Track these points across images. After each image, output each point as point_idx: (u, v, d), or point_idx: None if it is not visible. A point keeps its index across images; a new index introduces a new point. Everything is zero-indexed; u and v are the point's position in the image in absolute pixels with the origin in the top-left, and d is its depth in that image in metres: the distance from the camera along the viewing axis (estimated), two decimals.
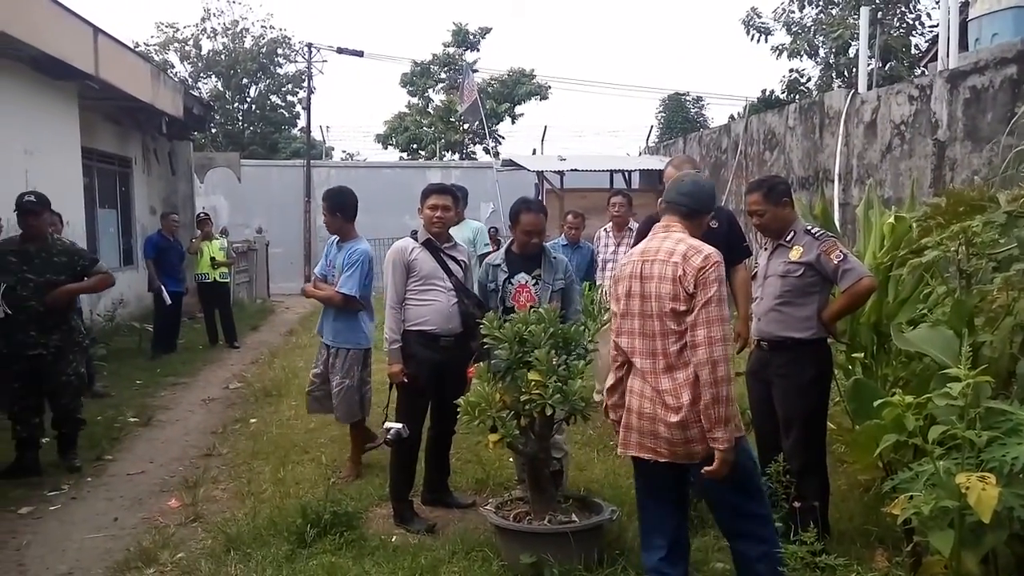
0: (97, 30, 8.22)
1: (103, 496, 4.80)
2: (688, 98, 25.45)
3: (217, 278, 10.19)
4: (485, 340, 3.61)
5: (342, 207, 4.98)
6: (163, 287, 9.31)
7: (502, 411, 3.45)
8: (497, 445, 3.47)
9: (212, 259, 10.11)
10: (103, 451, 5.61)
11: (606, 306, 3.86)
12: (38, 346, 5.07)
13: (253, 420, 6.48)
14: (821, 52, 16.57)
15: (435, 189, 4.32)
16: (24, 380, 5.11)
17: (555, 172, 15.50)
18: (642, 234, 4.51)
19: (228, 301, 10.53)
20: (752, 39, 17.06)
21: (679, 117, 24.84)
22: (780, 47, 16.54)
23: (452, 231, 6.01)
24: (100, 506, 4.63)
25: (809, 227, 3.68)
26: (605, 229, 6.66)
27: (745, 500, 2.87)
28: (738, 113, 18.09)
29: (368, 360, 5.04)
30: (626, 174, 16.20)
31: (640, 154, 18.80)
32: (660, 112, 25.53)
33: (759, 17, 17.10)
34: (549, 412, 3.37)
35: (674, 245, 2.82)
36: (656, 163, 15.92)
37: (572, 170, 15.11)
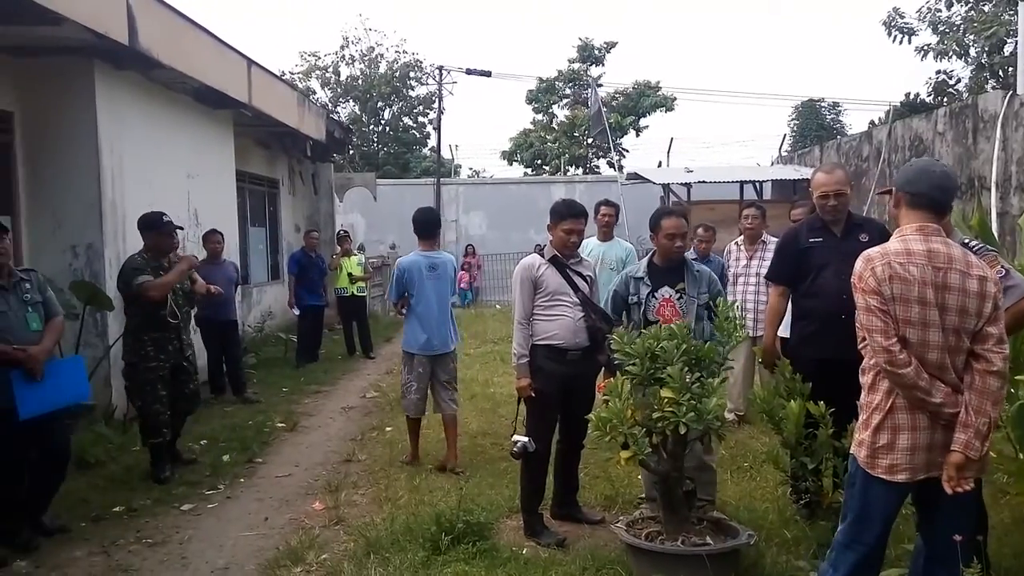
0: (251, 62, 8.88)
1: (254, 496, 5.13)
2: (823, 104, 24.37)
3: (355, 292, 10.71)
4: (615, 355, 3.60)
5: (412, 222, 5.77)
6: (296, 301, 9.99)
7: (633, 428, 3.43)
8: (628, 462, 3.45)
9: (350, 274, 10.64)
10: (254, 454, 6.01)
11: (741, 322, 3.76)
12: (189, 347, 5.57)
13: (388, 428, 6.73)
14: (972, 51, 15.43)
15: (571, 212, 4.23)
16: (168, 385, 5.40)
17: (682, 184, 15.25)
18: (783, 249, 4.36)
19: (365, 314, 11.03)
20: (894, 40, 16.13)
21: (813, 124, 23.85)
22: (926, 48, 15.55)
23: (605, 248, 6.14)
24: (252, 506, 4.95)
25: (966, 240, 3.44)
26: (736, 242, 6.49)
27: None
28: (879, 118, 17.15)
29: (411, 362, 5.58)
30: (757, 185, 15.71)
31: (772, 164, 18.18)
32: (793, 120, 24.61)
33: (902, 17, 16.15)
34: (683, 431, 3.32)
35: (963, 255, 2.63)
36: (790, 173, 15.35)
37: (700, 182, 14.83)
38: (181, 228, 5.83)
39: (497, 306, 17.97)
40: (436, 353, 5.58)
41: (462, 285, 19.54)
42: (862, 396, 2.77)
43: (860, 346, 2.76)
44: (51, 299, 4.39)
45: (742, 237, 6.43)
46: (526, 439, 4.10)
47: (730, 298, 6.05)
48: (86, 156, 6.43)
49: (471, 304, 18.88)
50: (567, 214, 4.24)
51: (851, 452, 2.79)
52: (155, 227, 5.40)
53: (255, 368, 9.13)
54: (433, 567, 3.78)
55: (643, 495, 4.48)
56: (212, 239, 7.82)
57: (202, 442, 6.26)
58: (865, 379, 2.75)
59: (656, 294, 4.12)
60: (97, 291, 6.10)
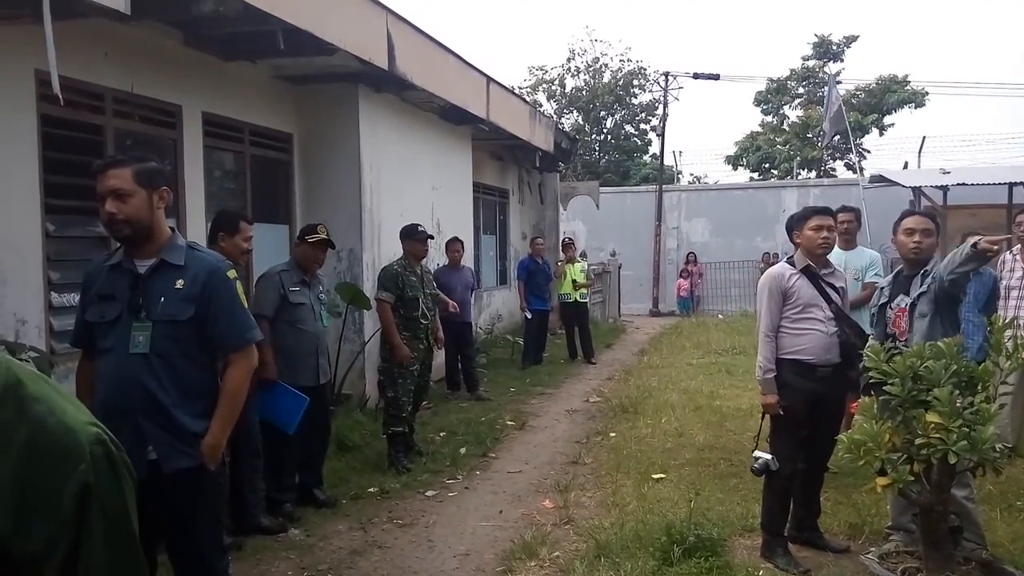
0: (489, 79, 9.39)
1: (489, 489, 5.41)
2: None
3: (577, 298, 10.93)
4: (869, 373, 3.35)
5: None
6: (526, 306, 10.30)
7: (891, 453, 3.17)
8: (885, 489, 3.19)
9: (574, 281, 10.87)
10: (487, 449, 6.35)
11: (1022, 341, 3.34)
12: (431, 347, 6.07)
13: (612, 434, 6.79)
14: None
15: (816, 210, 4.14)
16: (416, 381, 5.93)
17: (936, 187, 13.79)
18: None
19: (587, 320, 11.22)
20: None
21: None
22: None
23: (847, 257, 5.73)
24: (487, 498, 5.23)
25: None
26: (1012, 252, 5.76)
27: None
28: None
29: None
30: None
31: None
32: None
33: None
34: (952, 460, 3.01)
35: None
36: None
37: (958, 184, 13.31)
38: (432, 237, 6.36)
39: (719, 316, 17.40)
40: None
41: (682, 293, 19.17)
42: None
43: None
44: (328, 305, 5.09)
45: (1019, 246, 5.70)
46: (768, 457, 3.93)
47: (1000, 314, 5.40)
48: (350, 172, 7.17)
49: (691, 313, 18.44)
50: (811, 212, 4.11)
51: None
52: (413, 236, 6.04)
53: (486, 368, 9.64)
54: None
55: (890, 524, 4.13)
56: (453, 247, 8.38)
57: (441, 434, 6.73)
58: None
59: (892, 304, 3.88)
60: (358, 292, 6.77)
